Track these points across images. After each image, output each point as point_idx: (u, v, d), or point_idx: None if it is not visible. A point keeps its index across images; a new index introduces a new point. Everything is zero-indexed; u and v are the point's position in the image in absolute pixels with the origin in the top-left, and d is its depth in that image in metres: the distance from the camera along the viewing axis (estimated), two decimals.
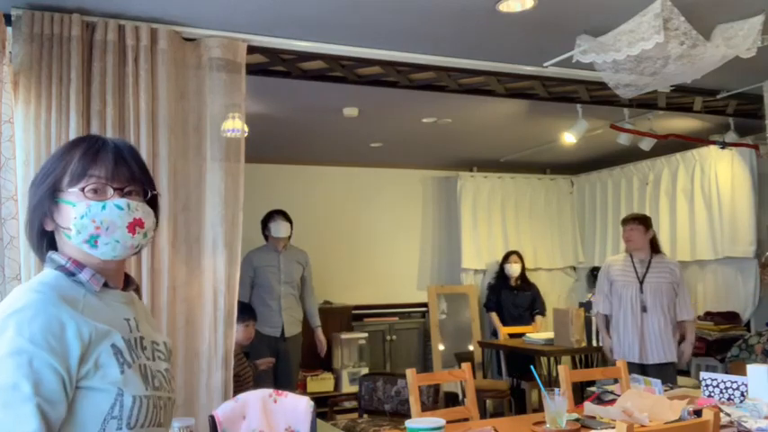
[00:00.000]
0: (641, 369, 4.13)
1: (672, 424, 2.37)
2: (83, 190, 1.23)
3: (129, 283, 1.35)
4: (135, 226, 1.24)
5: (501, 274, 6.65)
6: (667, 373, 4.14)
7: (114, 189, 1.25)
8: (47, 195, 1.25)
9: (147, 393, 1.20)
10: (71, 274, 1.24)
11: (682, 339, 4.47)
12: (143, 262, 3.10)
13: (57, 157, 1.29)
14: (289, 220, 5.14)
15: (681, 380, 4.69)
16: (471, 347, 6.68)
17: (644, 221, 4.51)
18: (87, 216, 1.22)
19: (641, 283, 4.37)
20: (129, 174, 1.28)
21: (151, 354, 1.29)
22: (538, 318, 6.43)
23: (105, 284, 1.26)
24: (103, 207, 1.22)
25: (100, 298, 1.25)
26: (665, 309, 4.35)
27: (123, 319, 1.26)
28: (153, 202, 1.33)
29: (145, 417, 1.19)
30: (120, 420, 1.16)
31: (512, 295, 6.49)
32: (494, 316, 6.46)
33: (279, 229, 5.07)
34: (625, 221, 4.56)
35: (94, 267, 1.25)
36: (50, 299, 1.16)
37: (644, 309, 4.34)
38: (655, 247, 4.51)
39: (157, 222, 1.34)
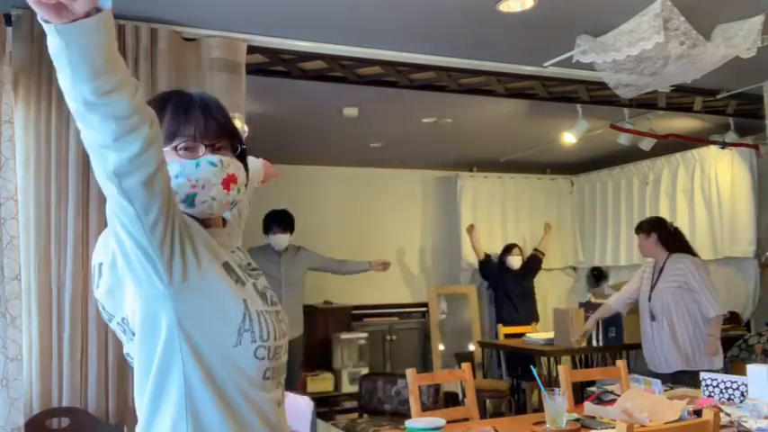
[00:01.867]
0: (670, 377, 4.05)
1: (672, 424, 2.37)
2: (175, 148, 1.21)
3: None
4: (229, 182, 1.22)
5: (501, 266, 6.67)
6: (682, 382, 3.93)
7: (206, 146, 1.22)
8: None
9: (266, 309, 1.23)
10: None
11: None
12: None
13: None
14: (288, 227, 5.03)
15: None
16: (472, 347, 6.69)
17: (643, 227, 4.45)
18: (182, 175, 1.19)
19: (651, 290, 4.30)
20: (218, 129, 1.25)
21: (255, 275, 1.30)
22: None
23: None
24: (197, 165, 1.20)
25: None
26: (675, 315, 4.17)
27: (233, 248, 1.29)
28: (241, 157, 1.31)
29: (274, 330, 1.22)
30: (252, 333, 1.18)
31: (514, 283, 6.51)
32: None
33: (277, 242, 5.00)
34: (635, 231, 4.53)
35: None
36: None
37: (653, 317, 4.25)
38: (670, 248, 4.30)
39: (248, 176, 1.32)
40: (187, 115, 1.23)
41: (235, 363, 1.17)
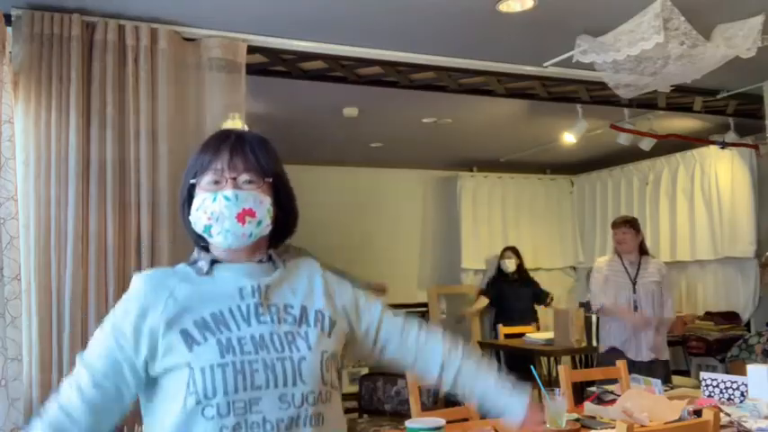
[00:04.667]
0: (632, 366, 4.13)
1: (672, 424, 2.37)
2: (200, 183, 1.32)
3: (270, 258, 1.38)
4: (245, 216, 1.28)
5: (499, 270, 6.67)
6: (658, 370, 4.15)
7: (228, 179, 1.30)
8: (186, 190, 1.35)
9: (222, 361, 1.21)
10: (194, 263, 1.35)
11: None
12: (143, 261, 3.10)
13: (197, 152, 1.36)
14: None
15: (681, 380, 4.69)
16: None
17: (635, 224, 4.53)
18: (201, 208, 1.29)
19: (634, 284, 4.40)
20: (245, 163, 1.31)
21: (273, 317, 1.30)
22: (540, 309, 6.49)
23: (216, 262, 1.33)
24: (214, 199, 1.28)
25: (210, 275, 1.32)
26: (656, 308, 4.39)
27: (236, 288, 1.30)
28: (283, 188, 1.38)
29: (224, 384, 1.19)
30: (196, 395, 1.19)
31: (512, 290, 6.50)
32: (481, 298, 6.53)
33: None
34: (616, 224, 4.57)
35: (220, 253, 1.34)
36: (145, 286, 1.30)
37: (636, 309, 4.36)
38: (643, 249, 4.54)
39: (285, 207, 1.38)
40: (217, 150, 1.32)
41: (186, 428, 1.20)
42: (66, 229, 2.95)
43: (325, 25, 3.35)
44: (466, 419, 3.06)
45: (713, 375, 3.00)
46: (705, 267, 6.08)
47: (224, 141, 1.33)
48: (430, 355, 1.47)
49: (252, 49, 3.44)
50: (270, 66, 3.61)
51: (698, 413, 2.50)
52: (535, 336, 5.62)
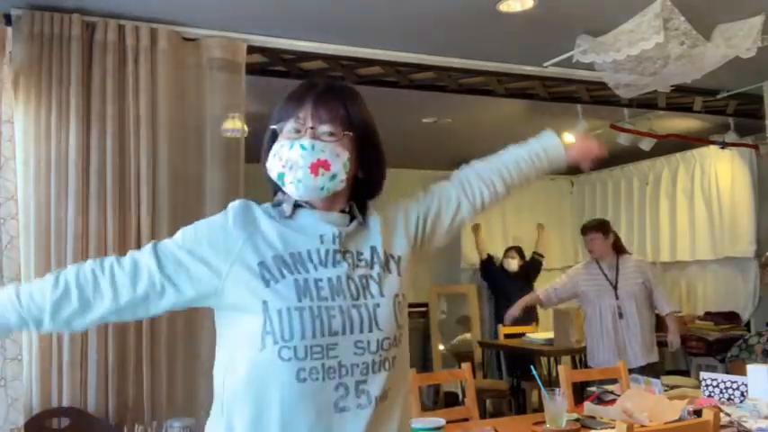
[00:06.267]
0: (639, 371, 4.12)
1: (672, 424, 2.37)
2: (281, 130, 1.28)
3: (351, 210, 1.34)
4: (319, 167, 1.24)
5: (501, 268, 6.66)
6: (651, 375, 4.13)
7: (308, 129, 1.26)
8: (270, 136, 1.32)
9: (299, 305, 1.20)
10: (278, 204, 1.32)
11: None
12: None
13: (284, 100, 1.33)
14: None
15: (681, 380, 4.69)
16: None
17: (601, 228, 4.46)
18: (277, 155, 1.26)
19: (615, 289, 4.35)
20: (328, 114, 1.28)
21: (349, 261, 1.28)
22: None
23: (299, 206, 1.30)
24: (291, 146, 1.25)
25: (293, 218, 1.29)
26: (642, 310, 4.32)
27: (317, 233, 1.28)
28: (370, 145, 1.36)
29: (301, 329, 1.19)
30: (273, 335, 1.19)
31: (514, 288, 6.48)
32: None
33: None
34: (584, 231, 4.51)
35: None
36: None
37: (620, 315, 4.30)
38: (619, 249, 4.48)
39: (369, 166, 1.35)
40: (301, 99, 1.29)
41: (262, 366, 1.20)
42: (66, 229, 2.95)
43: (326, 25, 3.35)
44: (466, 419, 3.06)
45: (713, 375, 3.01)
46: (705, 267, 6.08)
47: (309, 90, 1.31)
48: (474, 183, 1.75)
49: (252, 49, 3.44)
50: (270, 66, 3.61)
51: (698, 413, 2.50)
52: (535, 336, 5.62)
